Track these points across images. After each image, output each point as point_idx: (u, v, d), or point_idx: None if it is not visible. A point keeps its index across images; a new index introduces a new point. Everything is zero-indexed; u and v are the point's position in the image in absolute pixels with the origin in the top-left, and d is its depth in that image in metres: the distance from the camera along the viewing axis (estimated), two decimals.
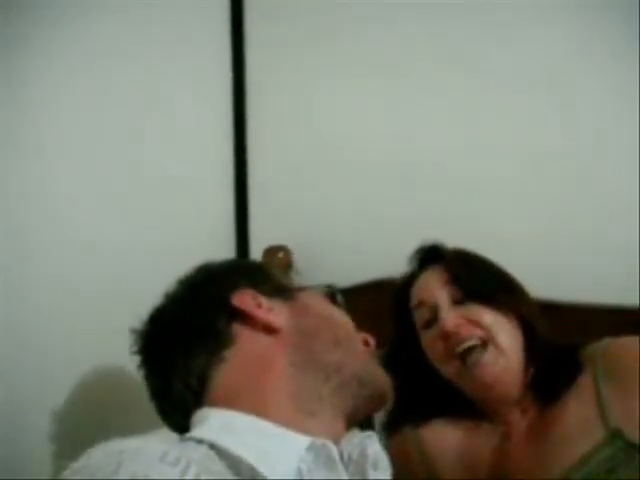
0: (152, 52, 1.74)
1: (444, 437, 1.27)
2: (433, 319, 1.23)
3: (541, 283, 1.34)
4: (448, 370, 1.23)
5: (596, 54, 1.61)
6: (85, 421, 1.42)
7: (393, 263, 1.36)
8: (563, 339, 1.24)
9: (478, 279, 1.24)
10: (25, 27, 1.60)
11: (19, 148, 1.63)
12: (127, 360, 0.94)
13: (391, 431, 1.30)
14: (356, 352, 0.89)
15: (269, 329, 0.86)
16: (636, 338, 1.18)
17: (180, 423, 0.86)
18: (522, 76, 1.64)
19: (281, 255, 1.64)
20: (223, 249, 1.74)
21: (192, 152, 1.78)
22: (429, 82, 1.70)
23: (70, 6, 1.65)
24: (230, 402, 0.82)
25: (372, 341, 0.92)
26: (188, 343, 0.86)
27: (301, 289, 0.94)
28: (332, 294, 0.95)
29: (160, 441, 0.75)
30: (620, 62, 1.58)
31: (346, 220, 1.73)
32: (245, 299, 0.87)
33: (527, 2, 1.64)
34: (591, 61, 1.61)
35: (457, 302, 1.22)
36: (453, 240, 1.32)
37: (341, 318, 0.92)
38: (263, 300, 0.88)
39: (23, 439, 1.39)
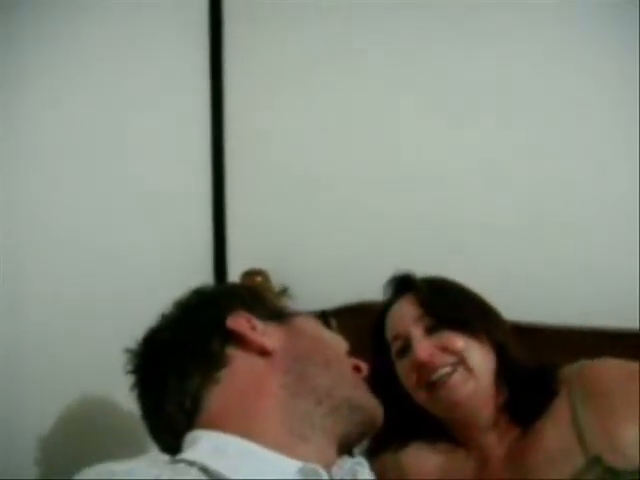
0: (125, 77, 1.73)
1: (423, 462, 1.28)
2: (407, 348, 1.25)
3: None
4: (421, 398, 1.25)
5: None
6: (72, 445, 1.40)
7: (370, 287, 1.38)
8: (546, 361, 1.25)
9: (449, 306, 1.26)
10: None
11: None
12: (114, 381, 0.95)
13: (372, 456, 1.30)
14: (347, 377, 0.90)
15: (263, 352, 0.87)
16: (611, 359, 1.20)
17: (171, 444, 0.87)
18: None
19: (259, 279, 1.66)
20: (201, 272, 1.75)
21: (171, 174, 1.77)
22: (411, 114, 1.73)
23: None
24: (222, 424, 0.83)
25: (364, 367, 0.93)
26: (182, 364, 0.87)
27: (295, 313, 0.95)
28: (326, 318, 0.96)
29: (151, 464, 0.76)
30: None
31: (324, 244, 1.75)
32: (240, 321, 0.89)
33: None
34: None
35: (430, 330, 1.24)
36: (438, 268, 1.34)
37: (334, 342, 0.94)
38: (257, 323, 0.89)
39: (10, 464, 1.37)
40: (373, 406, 0.91)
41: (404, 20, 1.73)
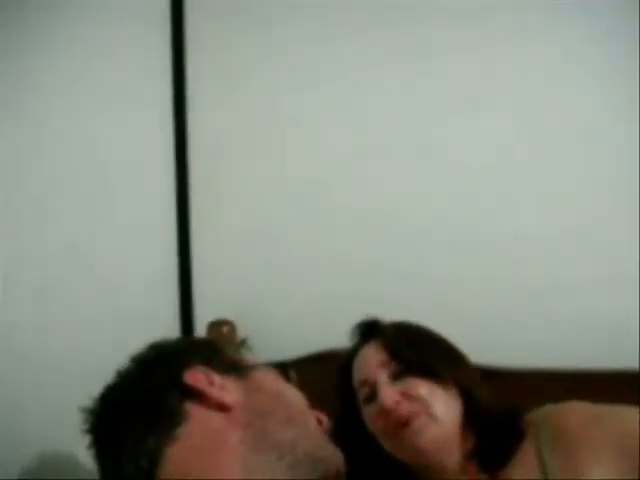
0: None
1: None
2: (373, 395, 1.25)
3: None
4: (388, 444, 1.24)
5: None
6: None
7: (336, 335, 1.37)
8: (513, 405, 1.25)
9: (416, 352, 1.26)
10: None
11: None
12: (74, 441, 0.93)
13: None
14: (309, 430, 0.89)
15: (221, 407, 0.86)
16: (577, 403, 1.20)
17: None
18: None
19: (225, 330, 1.65)
20: (167, 323, 1.74)
21: (134, 224, 1.77)
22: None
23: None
24: None
25: (325, 420, 0.93)
26: (139, 422, 0.86)
27: (254, 366, 0.94)
28: (285, 370, 0.96)
29: None
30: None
31: (289, 294, 1.74)
32: (197, 377, 0.88)
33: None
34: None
35: (395, 376, 1.24)
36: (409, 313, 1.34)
37: (294, 396, 0.93)
38: (216, 378, 0.88)
39: None
40: (336, 459, 0.91)
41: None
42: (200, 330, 1.72)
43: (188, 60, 1.80)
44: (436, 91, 1.71)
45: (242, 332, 1.66)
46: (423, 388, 1.22)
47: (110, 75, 1.77)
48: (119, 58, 1.78)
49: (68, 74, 1.76)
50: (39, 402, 1.50)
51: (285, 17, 1.77)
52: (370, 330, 1.33)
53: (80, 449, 0.93)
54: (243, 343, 1.56)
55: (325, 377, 1.35)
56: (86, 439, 0.91)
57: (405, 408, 1.20)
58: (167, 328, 1.70)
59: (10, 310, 1.62)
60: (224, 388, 0.88)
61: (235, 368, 0.92)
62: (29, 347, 1.56)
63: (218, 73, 1.81)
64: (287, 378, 0.95)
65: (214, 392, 0.87)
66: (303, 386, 0.96)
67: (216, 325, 1.65)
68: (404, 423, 1.20)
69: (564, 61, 1.66)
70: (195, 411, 0.86)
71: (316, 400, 0.95)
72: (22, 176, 1.70)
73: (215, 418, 0.86)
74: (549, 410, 1.22)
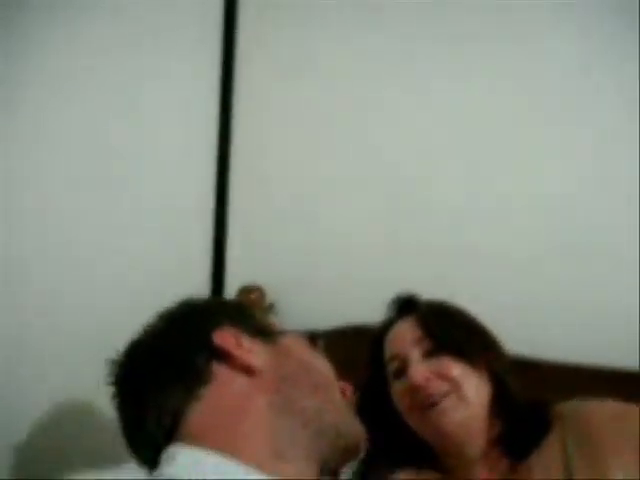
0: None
1: None
2: (403, 370, 1.24)
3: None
4: (414, 421, 1.23)
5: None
6: (47, 455, 1.38)
7: (368, 310, 1.36)
8: (542, 397, 1.24)
9: (450, 332, 1.24)
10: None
11: None
12: (98, 393, 0.93)
13: None
14: (334, 401, 0.88)
15: (248, 370, 0.85)
16: (607, 401, 1.18)
17: (150, 458, 0.85)
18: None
19: (254, 295, 1.65)
20: (198, 284, 1.74)
21: (173, 185, 1.78)
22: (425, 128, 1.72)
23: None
24: (202, 440, 0.81)
25: (349, 391, 0.92)
26: (164, 378, 0.85)
27: (283, 332, 0.93)
28: (314, 339, 0.94)
29: None
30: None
31: (324, 264, 1.74)
32: (226, 337, 0.86)
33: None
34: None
35: (428, 354, 1.22)
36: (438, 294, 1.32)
37: (321, 365, 0.91)
38: (244, 340, 0.87)
39: None
40: (358, 433, 0.89)
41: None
42: (230, 294, 1.72)
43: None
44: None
45: (273, 299, 1.65)
46: (455, 368, 1.20)
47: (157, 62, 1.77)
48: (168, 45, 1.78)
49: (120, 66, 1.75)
50: (73, 354, 1.51)
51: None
52: (406, 305, 1.31)
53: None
54: (271, 307, 1.55)
55: (350, 351, 1.35)
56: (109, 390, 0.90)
57: (435, 386, 1.19)
58: (198, 289, 1.69)
59: (45, 284, 1.62)
60: (252, 351, 0.87)
61: (264, 332, 0.91)
62: (68, 299, 1.57)
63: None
64: (315, 347, 0.94)
65: (242, 354, 0.86)
66: (331, 358, 0.95)
67: (246, 290, 1.65)
68: (432, 402, 1.19)
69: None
70: (221, 372, 0.85)
71: (343, 374, 0.93)
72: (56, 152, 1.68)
73: (241, 381, 0.85)
74: (577, 407, 1.20)
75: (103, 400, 0.93)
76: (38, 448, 1.37)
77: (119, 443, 0.89)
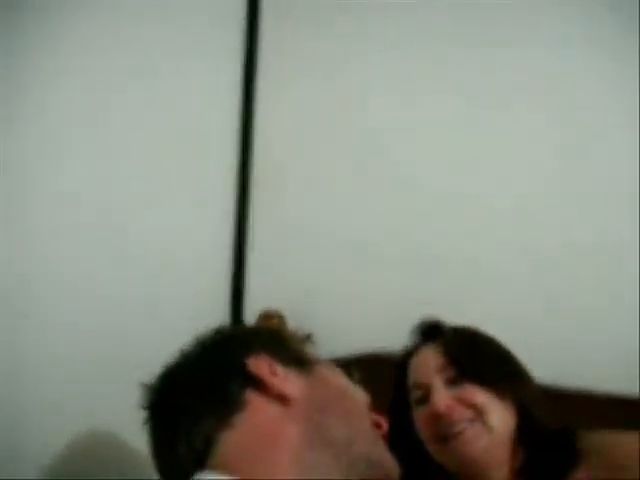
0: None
1: None
2: (426, 398, 1.23)
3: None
4: (436, 450, 1.22)
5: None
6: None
7: (387, 337, 1.37)
8: (570, 426, 1.22)
9: (475, 359, 1.23)
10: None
11: None
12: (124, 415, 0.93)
13: None
14: (367, 432, 0.88)
15: (282, 399, 0.85)
16: (634, 433, 1.16)
17: None
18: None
19: (275, 321, 1.64)
20: (217, 311, 1.73)
21: (192, 211, 1.76)
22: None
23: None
24: (233, 469, 0.80)
25: (384, 425, 0.91)
26: (198, 403, 0.86)
27: (318, 361, 0.93)
28: (349, 368, 0.94)
29: None
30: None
31: (344, 291, 1.73)
32: (261, 365, 0.87)
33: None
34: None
35: (452, 382, 1.21)
36: (451, 317, 1.31)
37: (356, 394, 0.91)
38: (279, 368, 0.87)
39: None
40: (391, 465, 0.89)
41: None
42: (250, 320, 1.71)
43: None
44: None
45: (293, 325, 1.65)
46: (480, 396, 1.19)
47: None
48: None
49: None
50: (93, 380, 1.50)
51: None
52: (431, 331, 1.30)
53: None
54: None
55: (373, 379, 1.34)
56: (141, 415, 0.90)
57: (458, 413, 1.18)
58: (217, 317, 1.69)
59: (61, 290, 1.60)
60: (286, 380, 0.87)
61: (299, 361, 0.91)
62: (87, 323, 1.56)
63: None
64: (350, 376, 0.94)
65: (276, 382, 0.86)
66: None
67: (266, 316, 1.65)
68: (456, 432, 1.17)
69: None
70: (255, 400, 0.85)
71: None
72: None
73: (274, 409, 0.85)
74: (604, 441, 1.18)
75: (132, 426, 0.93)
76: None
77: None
